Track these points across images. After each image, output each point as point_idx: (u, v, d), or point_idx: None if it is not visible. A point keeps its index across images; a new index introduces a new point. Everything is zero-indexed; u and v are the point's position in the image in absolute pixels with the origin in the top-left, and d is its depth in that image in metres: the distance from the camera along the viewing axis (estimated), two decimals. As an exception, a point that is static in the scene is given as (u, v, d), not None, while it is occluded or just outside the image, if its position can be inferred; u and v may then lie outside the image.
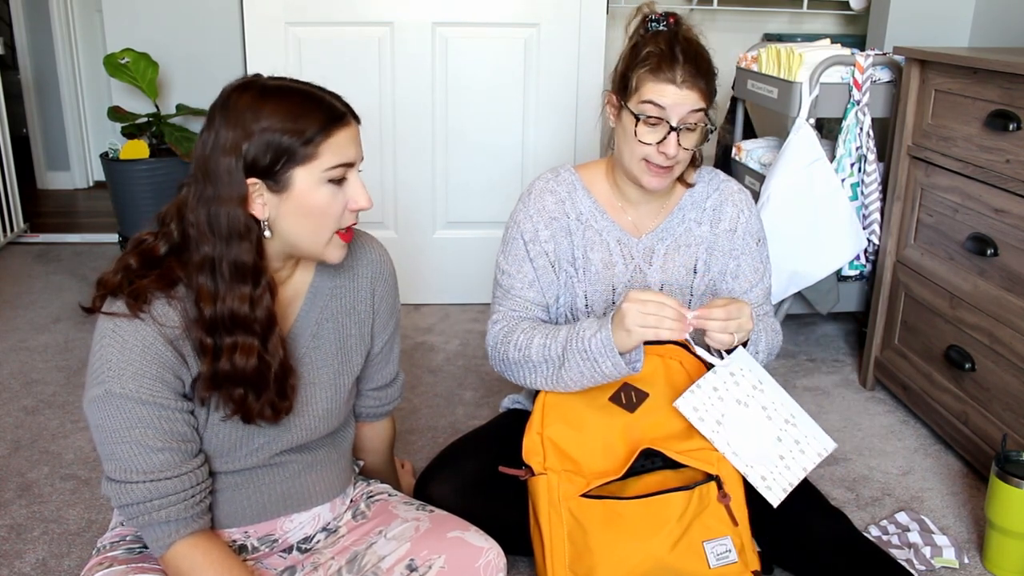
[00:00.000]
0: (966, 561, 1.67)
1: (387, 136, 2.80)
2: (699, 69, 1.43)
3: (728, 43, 2.81)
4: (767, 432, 1.36)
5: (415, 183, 2.86)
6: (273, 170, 1.12)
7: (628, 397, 1.46)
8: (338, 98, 1.17)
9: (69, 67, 4.44)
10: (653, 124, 1.44)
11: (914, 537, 1.70)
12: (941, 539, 1.70)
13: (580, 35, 2.75)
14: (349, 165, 1.16)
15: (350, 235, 1.21)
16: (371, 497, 1.41)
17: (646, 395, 1.46)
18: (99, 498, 1.81)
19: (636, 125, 1.45)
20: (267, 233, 1.15)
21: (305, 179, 1.13)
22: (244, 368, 1.14)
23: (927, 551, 1.66)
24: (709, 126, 1.47)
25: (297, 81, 1.17)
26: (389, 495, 1.42)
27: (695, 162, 1.59)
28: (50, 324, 2.71)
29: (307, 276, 1.28)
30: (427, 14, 2.70)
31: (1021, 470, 1.58)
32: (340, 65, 2.72)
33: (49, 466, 1.94)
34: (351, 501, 1.40)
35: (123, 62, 2.94)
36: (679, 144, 1.44)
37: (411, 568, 1.24)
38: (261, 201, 1.13)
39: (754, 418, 1.36)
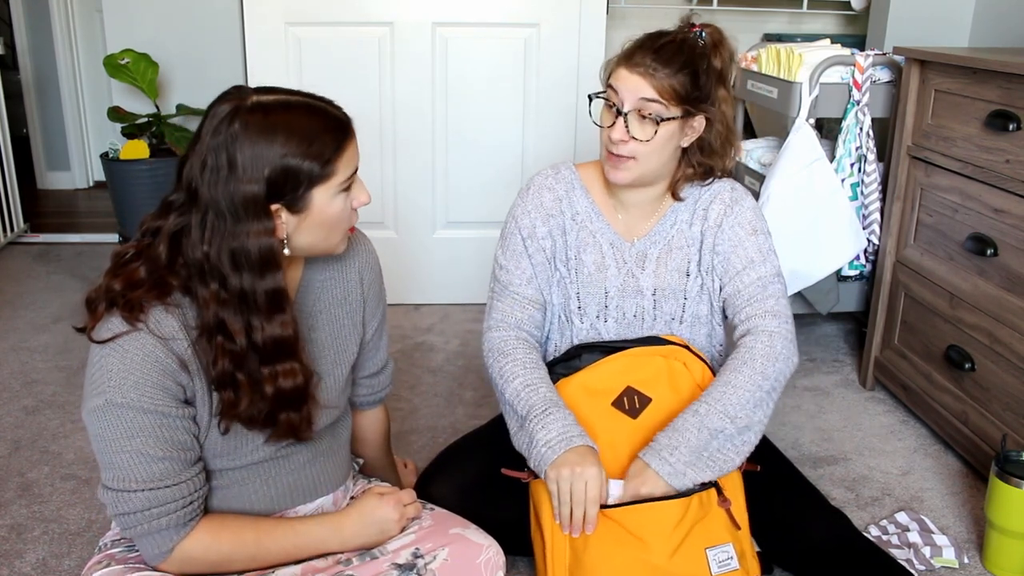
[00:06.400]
0: (966, 561, 1.67)
1: (387, 136, 2.80)
2: (660, 59, 1.40)
3: (728, 43, 2.81)
4: None
5: (415, 183, 2.86)
6: (295, 194, 1.12)
7: (631, 403, 1.45)
8: (333, 104, 1.18)
9: (69, 67, 4.43)
10: (609, 107, 1.45)
11: (914, 537, 1.70)
12: (941, 539, 1.70)
13: (580, 35, 2.75)
14: (355, 171, 1.18)
15: (353, 227, 1.25)
16: (372, 495, 1.41)
17: (649, 400, 1.45)
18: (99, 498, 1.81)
19: (591, 105, 1.48)
20: (286, 251, 1.16)
21: (323, 196, 1.14)
22: (294, 389, 1.16)
23: (927, 551, 1.66)
24: (658, 117, 1.40)
25: (290, 92, 1.16)
26: (389, 493, 1.43)
27: (707, 175, 1.54)
28: (50, 324, 2.71)
29: (296, 272, 1.29)
30: (427, 14, 2.70)
31: (1021, 470, 1.58)
32: (340, 65, 2.72)
33: (49, 466, 1.94)
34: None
35: (123, 63, 2.94)
36: (627, 131, 1.42)
37: (416, 555, 1.25)
38: (280, 223, 1.13)
39: None
